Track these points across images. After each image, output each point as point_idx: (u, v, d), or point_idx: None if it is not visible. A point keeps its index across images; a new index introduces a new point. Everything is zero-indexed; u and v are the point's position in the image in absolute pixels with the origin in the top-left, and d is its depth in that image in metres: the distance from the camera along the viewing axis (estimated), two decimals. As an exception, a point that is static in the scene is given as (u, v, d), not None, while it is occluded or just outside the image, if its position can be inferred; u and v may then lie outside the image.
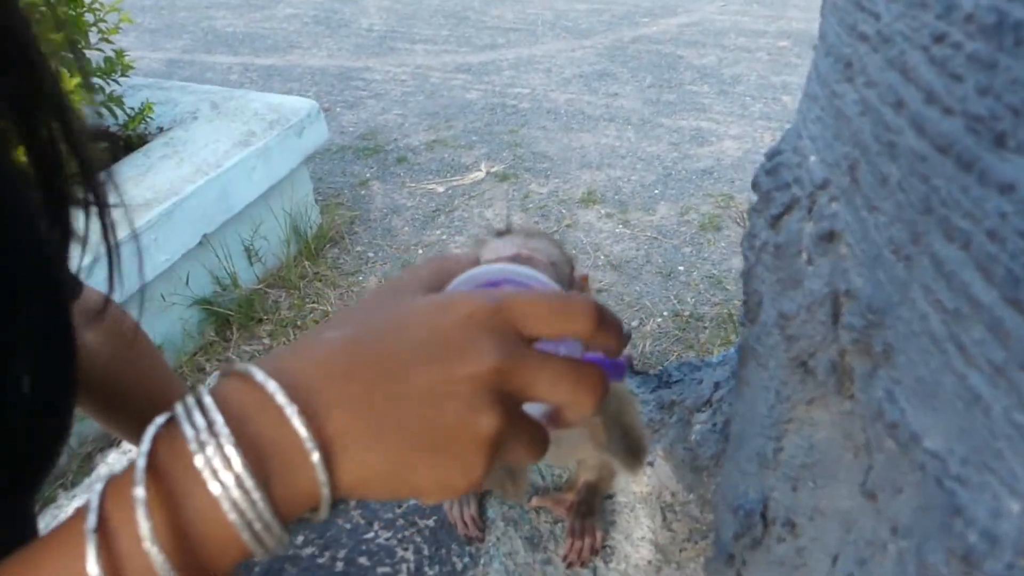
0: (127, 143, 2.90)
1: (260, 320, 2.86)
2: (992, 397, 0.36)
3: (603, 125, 4.19)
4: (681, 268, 3.06)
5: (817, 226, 0.52)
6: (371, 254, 3.27)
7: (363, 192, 3.72)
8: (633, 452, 0.87)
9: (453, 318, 0.35)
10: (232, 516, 0.31)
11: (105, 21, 2.76)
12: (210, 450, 0.31)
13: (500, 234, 0.92)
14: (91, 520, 0.30)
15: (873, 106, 0.44)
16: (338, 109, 4.61)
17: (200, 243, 2.65)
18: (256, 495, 0.31)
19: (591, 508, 1.02)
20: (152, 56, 5.58)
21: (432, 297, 0.37)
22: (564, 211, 3.43)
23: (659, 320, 2.82)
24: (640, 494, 1.06)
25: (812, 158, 0.53)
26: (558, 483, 1.08)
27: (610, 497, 1.07)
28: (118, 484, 0.32)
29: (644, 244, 3.20)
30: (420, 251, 3.25)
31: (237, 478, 0.31)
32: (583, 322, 0.37)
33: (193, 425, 0.31)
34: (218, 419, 0.31)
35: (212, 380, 0.41)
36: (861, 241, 0.47)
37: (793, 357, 0.56)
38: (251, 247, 2.99)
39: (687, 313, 2.82)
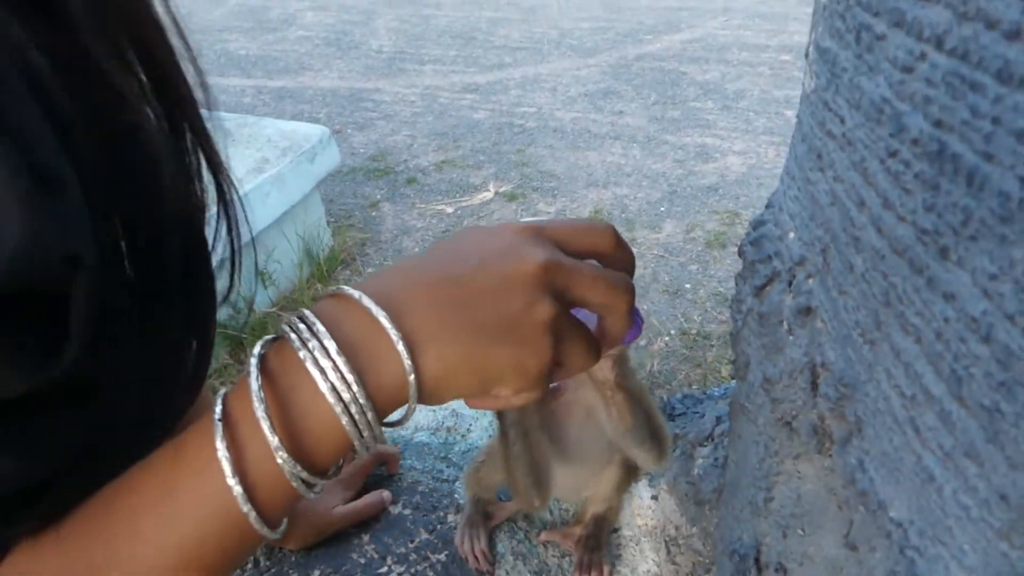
0: (143, 172, 2.96)
1: (274, 343, 2.91)
2: (943, 478, 0.40)
3: (609, 143, 4.24)
4: (688, 286, 3.10)
5: (795, 300, 0.56)
6: (382, 276, 3.32)
7: (374, 213, 3.78)
8: (657, 439, 0.90)
9: (506, 234, 0.42)
10: (332, 400, 0.36)
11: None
12: (312, 344, 0.37)
13: None
14: (217, 411, 0.37)
15: (840, 200, 0.49)
16: (349, 130, 4.68)
17: (216, 267, 2.71)
18: (351, 378, 0.37)
19: (599, 542, 1.06)
20: (165, 80, 5.67)
21: (489, 228, 0.45)
22: (571, 230, 3.47)
23: (667, 339, 2.86)
24: (645, 528, 1.10)
25: (791, 235, 0.58)
26: (565, 517, 1.13)
27: (616, 531, 1.11)
28: (235, 388, 0.39)
29: (651, 262, 3.24)
30: (430, 273, 3.29)
31: (335, 366, 0.36)
32: (604, 239, 0.45)
33: (295, 330, 0.38)
34: (316, 322, 0.37)
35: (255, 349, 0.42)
36: (833, 319, 0.52)
37: (779, 417, 0.60)
38: (264, 271, 3.05)
39: (694, 331, 2.85)
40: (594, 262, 0.46)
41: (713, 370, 2.66)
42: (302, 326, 0.38)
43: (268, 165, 2.97)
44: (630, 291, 0.46)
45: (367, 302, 0.38)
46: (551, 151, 4.20)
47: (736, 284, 0.66)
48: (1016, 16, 0.32)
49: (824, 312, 0.53)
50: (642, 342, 2.86)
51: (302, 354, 0.37)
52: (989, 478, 0.36)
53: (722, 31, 5.67)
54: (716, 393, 1.25)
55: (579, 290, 0.42)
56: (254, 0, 7.61)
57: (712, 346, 2.78)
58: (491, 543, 1.07)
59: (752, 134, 4.17)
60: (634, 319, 0.57)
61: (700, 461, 1.10)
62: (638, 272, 3.15)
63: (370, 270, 3.34)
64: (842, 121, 0.48)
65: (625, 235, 3.02)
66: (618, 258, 0.47)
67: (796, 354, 0.56)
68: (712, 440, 1.13)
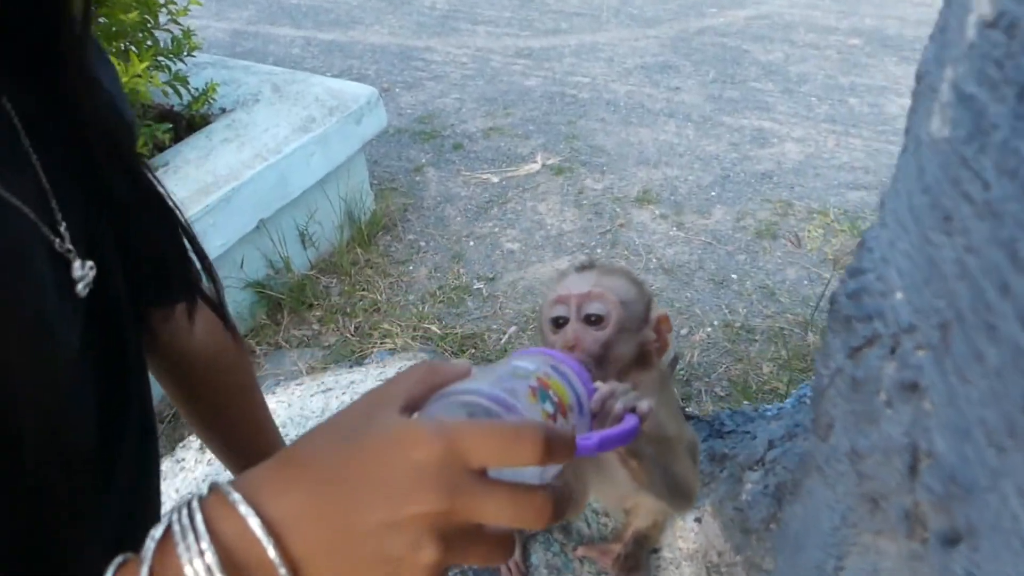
0: (190, 123, 2.94)
1: (311, 305, 2.90)
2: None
3: (663, 120, 4.12)
4: (734, 276, 3.01)
5: (900, 372, 0.50)
6: (423, 243, 3.28)
7: (418, 179, 3.73)
8: (678, 494, 0.86)
9: (406, 458, 0.40)
10: None
11: (175, 3, 2.79)
12: (190, 542, 0.38)
13: (581, 268, 0.93)
14: None
15: (973, 275, 0.42)
16: (397, 90, 4.62)
17: (256, 227, 2.70)
18: None
19: (637, 562, 1.02)
20: (217, 26, 5.64)
21: (397, 428, 0.42)
22: (618, 209, 3.40)
23: (708, 330, 2.79)
24: (686, 551, 1.05)
25: (899, 295, 0.51)
26: (604, 532, 1.08)
27: (656, 551, 1.06)
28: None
29: (698, 249, 3.16)
30: (471, 243, 3.25)
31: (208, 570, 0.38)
32: (530, 453, 0.41)
33: (187, 545, 0.38)
34: (206, 544, 0.38)
35: (202, 488, 0.47)
36: (947, 406, 0.45)
37: (864, 492, 0.54)
38: (305, 232, 3.03)
39: (738, 324, 2.78)
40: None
41: (755, 366, 2.59)
42: (192, 542, 0.39)
43: (314, 124, 2.93)
44: (545, 511, 0.42)
45: (257, 530, 0.39)
46: (602, 124, 4.10)
47: (824, 336, 0.60)
48: None
49: (935, 394, 0.47)
50: (683, 331, 2.79)
51: (179, 550, 0.38)
52: None
53: (789, 9, 5.45)
54: (769, 412, 1.20)
55: (482, 520, 0.41)
56: (310, -52, 7.52)
57: (755, 341, 2.71)
58: (525, 554, 1.04)
59: (813, 121, 4.02)
60: (624, 430, 0.55)
61: (749, 487, 1.05)
62: (684, 258, 3.08)
63: (411, 237, 3.30)
64: (986, 187, 0.42)
65: (672, 217, 2.93)
66: (553, 463, 0.44)
67: (895, 431, 0.50)
68: (763, 465, 1.07)
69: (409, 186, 3.67)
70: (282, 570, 0.38)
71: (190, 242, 0.66)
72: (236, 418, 0.83)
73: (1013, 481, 0.40)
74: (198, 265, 0.67)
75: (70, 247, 0.51)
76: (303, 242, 3.04)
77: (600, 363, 0.85)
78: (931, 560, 0.50)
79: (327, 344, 2.76)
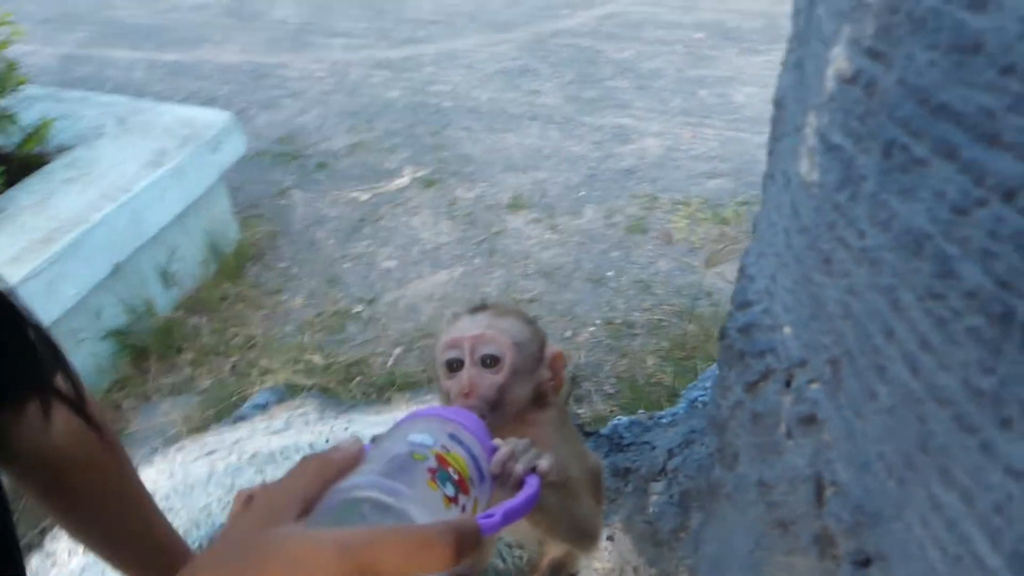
0: (24, 164, 2.71)
1: (180, 349, 2.74)
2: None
3: (526, 124, 4.17)
4: (610, 274, 3.09)
5: (797, 406, 0.52)
6: (295, 270, 3.18)
7: (283, 202, 3.61)
8: (582, 537, 0.87)
9: None
10: None
11: (-6, 35, 2.58)
12: None
13: (473, 310, 0.92)
14: None
15: (857, 317, 0.45)
16: (253, 110, 4.45)
17: (112, 272, 2.52)
18: None
19: (555, 590, 1.02)
20: (45, 51, 5.25)
21: (300, 548, 0.39)
22: (492, 217, 3.41)
23: (592, 329, 2.84)
24: (603, 571, 1.07)
25: (787, 329, 0.54)
26: (519, 565, 1.08)
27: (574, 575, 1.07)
28: None
29: (573, 250, 3.22)
30: (346, 265, 3.18)
31: None
32: (440, 560, 0.40)
33: None
34: None
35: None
36: (845, 439, 0.48)
37: (775, 519, 0.57)
38: (167, 271, 2.87)
39: (619, 321, 2.85)
40: None
41: (639, 360, 2.66)
42: None
43: (166, 157, 2.77)
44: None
45: None
46: (468, 133, 4.11)
47: (719, 366, 0.62)
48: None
49: (833, 428, 0.49)
50: (567, 333, 2.84)
51: None
52: None
53: (636, 7, 5.66)
54: (664, 419, 1.23)
55: None
56: (141, -38, 7.13)
57: (637, 335, 2.79)
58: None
59: (668, 115, 4.19)
60: (526, 499, 0.56)
61: (655, 498, 1.08)
62: (561, 260, 3.13)
63: (282, 265, 3.19)
64: (861, 235, 0.44)
65: (545, 220, 2.97)
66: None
67: (799, 463, 0.52)
68: (666, 474, 1.10)
69: (275, 211, 3.54)
70: None
71: (34, 330, 0.60)
72: (116, 519, 0.76)
73: (916, 512, 0.42)
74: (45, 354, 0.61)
75: None
76: (165, 282, 2.87)
77: (496, 407, 0.84)
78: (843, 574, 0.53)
79: (202, 389, 2.61)
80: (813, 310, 0.51)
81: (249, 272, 3.13)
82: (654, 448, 1.13)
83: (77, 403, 0.63)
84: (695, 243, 3.20)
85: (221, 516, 1.30)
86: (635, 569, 1.05)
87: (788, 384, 0.54)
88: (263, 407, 1.92)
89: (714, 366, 1.91)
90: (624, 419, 1.27)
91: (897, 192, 0.41)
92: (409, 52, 5.12)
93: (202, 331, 2.82)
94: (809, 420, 0.51)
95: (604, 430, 1.25)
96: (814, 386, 0.51)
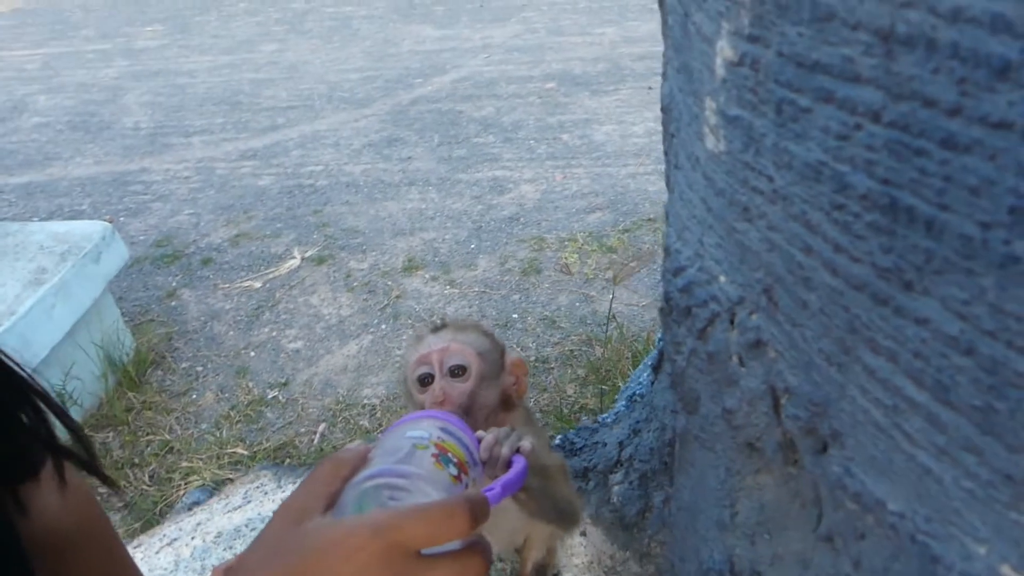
0: None
1: (93, 467, 2.62)
2: (941, 470, 0.48)
3: (405, 190, 4.28)
4: (515, 316, 3.20)
5: (743, 336, 0.63)
6: (199, 367, 3.11)
7: (173, 303, 3.53)
8: (566, 515, 0.95)
9: (352, 562, 0.43)
10: None
11: None
12: None
13: (435, 329, 0.99)
14: None
15: (780, 247, 0.56)
16: (122, 218, 4.34)
17: (8, 401, 2.40)
18: None
19: (542, 590, 1.08)
20: None
21: (334, 535, 0.45)
22: (390, 283, 3.47)
23: (507, 371, 2.93)
24: (582, 565, 1.13)
25: (722, 278, 0.65)
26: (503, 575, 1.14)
27: (556, 575, 1.14)
28: None
29: (475, 300, 3.32)
30: (252, 354, 3.14)
31: None
32: (461, 526, 0.46)
33: None
34: None
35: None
36: (789, 349, 0.58)
37: (741, 442, 0.66)
38: (63, 391, 2.75)
39: (532, 358, 2.95)
40: None
41: (560, 391, 2.77)
42: None
43: (47, 275, 2.68)
44: (486, 557, 0.48)
45: None
46: (349, 207, 4.17)
47: (667, 327, 0.72)
48: (954, 97, 0.40)
49: (777, 344, 0.60)
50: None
51: None
52: (990, 464, 0.44)
53: (486, 67, 5.93)
54: (608, 419, 1.33)
55: None
56: (-31, 90, 6.84)
57: (552, 368, 2.90)
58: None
59: (537, 161, 4.40)
60: (516, 476, 0.65)
61: (616, 488, 1.16)
62: (466, 311, 3.21)
63: (184, 365, 3.11)
64: (770, 180, 0.56)
65: (442, 277, 3.06)
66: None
67: (753, 384, 0.63)
68: (621, 465, 1.19)
69: (166, 313, 3.46)
70: None
71: (41, 398, 0.63)
72: None
73: (856, 385, 0.53)
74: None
75: None
76: (63, 403, 2.74)
77: (467, 412, 0.91)
78: (807, 475, 0.63)
79: (121, 504, 2.51)
80: (741, 255, 0.62)
81: (151, 378, 3.03)
82: (605, 445, 1.22)
83: (89, 462, 0.65)
84: (588, 274, 3.37)
85: (195, 601, 1.29)
86: (611, 556, 1.12)
87: (732, 322, 0.64)
88: (198, 503, 1.88)
89: (640, 367, 2.03)
90: (572, 430, 1.35)
91: (792, 138, 0.53)
92: (273, 139, 5.15)
93: (112, 446, 2.71)
94: (756, 344, 0.62)
95: (555, 441, 1.33)
96: (754, 316, 0.62)
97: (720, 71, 0.60)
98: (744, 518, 0.72)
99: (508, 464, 0.74)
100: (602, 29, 6.45)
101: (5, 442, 0.60)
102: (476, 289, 3.38)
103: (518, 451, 0.74)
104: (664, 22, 0.81)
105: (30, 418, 0.61)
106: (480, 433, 0.74)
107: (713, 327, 0.66)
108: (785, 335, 0.58)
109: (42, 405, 0.62)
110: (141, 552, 1.56)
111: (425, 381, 0.93)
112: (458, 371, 0.92)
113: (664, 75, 0.84)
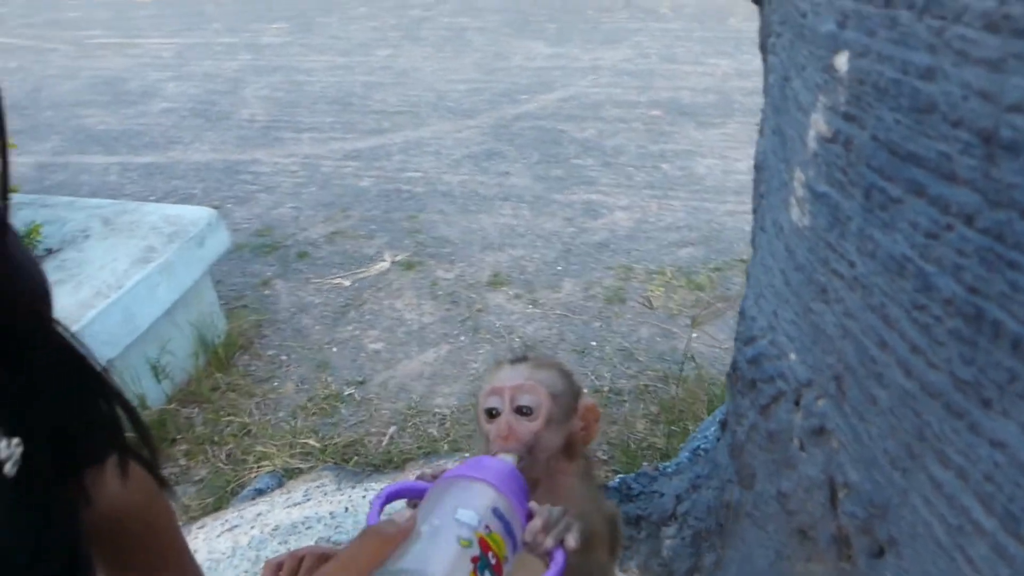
0: (14, 269, 2.76)
1: (173, 440, 2.74)
2: (1003, 604, 0.44)
3: (498, 204, 4.32)
4: (594, 343, 3.17)
5: (807, 420, 0.60)
6: (283, 357, 3.21)
7: (267, 292, 3.66)
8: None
9: None
10: None
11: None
12: None
13: (514, 361, 0.98)
14: None
15: (854, 335, 0.53)
16: (229, 205, 4.54)
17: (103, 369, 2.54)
18: None
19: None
20: (20, 161, 5.32)
21: None
22: (474, 296, 3.50)
23: (579, 397, 2.90)
24: (623, 616, 1.11)
25: (792, 356, 0.62)
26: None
27: (595, 624, 1.11)
28: None
29: (555, 322, 3.31)
30: (334, 349, 3.22)
31: None
32: None
33: None
34: None
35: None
36: (853, 442, 0.55)
37: (794, 527, 0.63)
38: (158, 365, 2.89)
39: (606, 388, 2.92)
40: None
41: (629, 425, 2.73)
42: None
43: (155, 254, 2.84)
44: None
45: None
46: (443, 216, 4.24)
47: (731, 395, 0.70)
48: (1055, 213, 0.37)
49: (841, 434, 0.57)
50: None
51: None
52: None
53: (593, 89, 5.94)
54: (668, 469, 1.29)
55: None
56: (108, 72, 7.32)
57: (624, 401, 2.86)
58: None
59: (634, 189, 4.37)
60: (551, 569, 0.64)
61: (668, 542, 1.13)
62: (544, 333, 3.21)
63: (270, 352, 3.23)
64: (852, 265, 0.53)
65: (526, 296, 3.07)
66: None
67: (812, 471, 0.60)
68: (676, 519, 1.16)
69: (259, 301, 3.59)
70: None
71: (115, 397, 0.66)
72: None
73: (920, 495, 0.50)
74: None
75: None
76: (157, 376, 2.89)
77: (531, 452, 0.90)
78: (858, 572, 0.59)
79: (198, 478, 2.61)
80: (814, 336, 0.59)
81: (238, 362, 3.16)
82: (662, 495, 1.19)
83: (151, 462, 0.68)
84: (673, 310, 3.31)
85: (248, 589, 1.34)
86: (656, 612, 1.10)
87: (797, 403, 0.61)
88: (263, 492, 1.94)
89: (710, 418, 1.98)
90: (632, 475, 1.33)
91: (879, 226, 0.50)
92: (377, 142, 5.29)
93: (195, 422, 2.83)
94: (819, 431, 0.59)
95: (612, 483, 1.30)
96: (821, 401, 0.59)
97: (812, 144, 0.58)
98: (792, 605, 0.68)
99: (548, 554, 0.73)
100: (715, 60, 6.35)
101: (77, 428, 0.63)
102: (558, 311, 3.37)
103: (562, 542, 0.73)
104: (765, 79, 0.79)
105: (102, 410, 0.64)
106: (532, 506, 0.73)
107: (777, 405, 0.63)
108: (850, 428, 0.55)
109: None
110: (204, 534, 1.62)
111: (493, 413, 0.93)
112: (527, 410, 0.91)
113: (761, 131, 0.82)
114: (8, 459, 0.50)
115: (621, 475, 1.34)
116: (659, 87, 5.88)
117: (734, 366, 0.71)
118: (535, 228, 4.05)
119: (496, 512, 0.63)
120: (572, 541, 0.73)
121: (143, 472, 0.74)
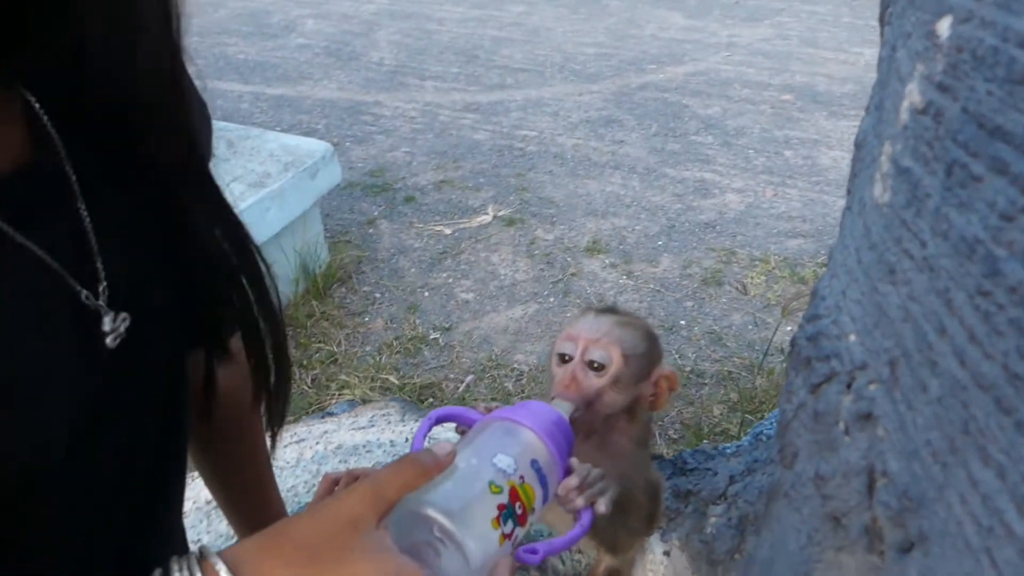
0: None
1: (267, 358, 2.89)
2: (1022, 613, 0.42)
3: (608, 172, 4.27)
4: (683, 322, 3.12)
5: (855, 404, 0.57)
6: (377, 294, 3.32)
7: (371, 231, 3.78)
8: (613, 548, 0.92)
9: None
10: None
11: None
12: None
13: (600, 312, 0.98)
14: None
15: (916, 319, 0.50)
16: (348, 143, 4.68)
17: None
18: None
19: (610, 597, 1.07)
20: (164, 80, 5.64)
21: (362, 561, 0.46)
22: (569, 259, 3.50)
23: (660, 374, 2.87)
24: (657, 584, 1.11)
25: (852, 337, 0.59)
26: (578, 568, 1.13)
27: (628, 586, 1.11)
28: None
29: (647, 296, 3.27)
30: (426, 294, 3.30)
31: None
32: None
33: None
34: None
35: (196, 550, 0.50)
36: (898, 431, 0.53)
37: (828, 512, 0.61)
38: (261, 285, 3.04)
39: (688, 368, 2.87)
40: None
41: (706, 409, 2.68)
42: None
43: (270, 180, 2.97)
44: None
45: None
46: (551, 177, 4.23)
47: (787, 375, 0.68)
48: None
49: (887, 422, 0.54)
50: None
51: None
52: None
53: (725, 66, 5.74)
54: (728, 450, 1.27)
55: None
56: (255, 4, 7.61)
57: (705, 384, 2.81)
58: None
59: (751, 172, 4.22)
60: (575, 530, 0.63)
61: (714, 520, 1.12)
62: (634, 306, 3.18)
63: (365, 289, 3.34)
64: (923, 245, 0.50)
65: (621, 266, 3.02)
66: None
67: (853, 457, 0.57)
68: (726, 499, 1.14)
69: (363, 238, 3.71)
70: None
71: (259, 281, 0.64)
72: (249, 471, 0.84)
73: (956, 492, 0.47)
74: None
75: (100, 302, 0.50)
76: (259, 295, 3.04)
77: (590, 405, 0.90)
78: (888, 569, 0.57)
79: (283, 397, 2.75)
80: (877, 318, 0.57)
81: (335, 293, 3.28)
82: (716, 474, 1.17)
83: (279, 344, 0.66)
84: (771, 300, 3.21)
85: (306, 496, 1.41)
86: (690, 586, 1.09)
87: (849, 386, 0.59)
88: (333, 415, 2.04)
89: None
90: (689, 450, 1.31)
91: (956, 205, 0.47)
92: (498, 97, 5.31)
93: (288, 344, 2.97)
94: (866, 417, 0.56)
95: (670, 457, 1.29)
96: (873, 386, 0.57)
97: (904, 116, 0.55)
98: (817, 594, 0.66)
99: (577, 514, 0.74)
100: (859, 49, 6.00)
101: (221, 301, 0.62)
102: (651, 286, 3.32)
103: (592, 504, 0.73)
104: (880, 55, 0.75)
105: (240, 285, 0.62)
106: (573, 462, 0.73)
107: (829, 385, 0.61)
108: (898, 415, 0.53)
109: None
110: (273, 442, 1.71)
111: (565, 358, 0.93)
112: (597, 366, 0.90)
113: (867, 109, 0.78)
114: (112, 332, 0.50)
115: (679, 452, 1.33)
116: (794, 70, 5.63)
117: (793, 342, 0.68)
118: (642, 200, 3.98)
119: (534, 464, 0.63)
120: (603, 506, 0.73)
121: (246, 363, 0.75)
